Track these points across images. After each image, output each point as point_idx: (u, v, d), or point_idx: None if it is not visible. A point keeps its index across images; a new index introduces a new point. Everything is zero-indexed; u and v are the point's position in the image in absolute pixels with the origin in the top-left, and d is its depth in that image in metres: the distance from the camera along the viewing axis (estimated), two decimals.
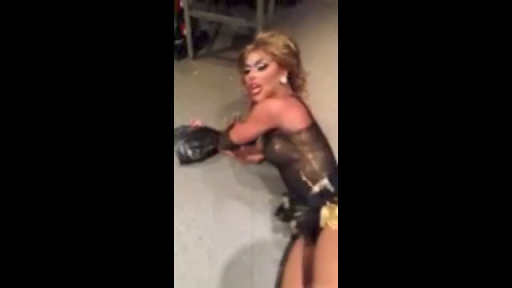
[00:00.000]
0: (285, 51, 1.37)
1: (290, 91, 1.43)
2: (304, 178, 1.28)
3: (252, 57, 1.39)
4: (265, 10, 2.28)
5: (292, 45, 1.39)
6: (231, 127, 1.57)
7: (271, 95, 1.38)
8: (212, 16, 2.29)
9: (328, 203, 1.22)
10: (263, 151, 1.46)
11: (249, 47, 1.42)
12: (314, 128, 1.33)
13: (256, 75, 1.37)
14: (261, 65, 1.36)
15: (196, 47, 2.43)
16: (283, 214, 1.41)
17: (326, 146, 1.33)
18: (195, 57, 2.41)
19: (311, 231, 1.26)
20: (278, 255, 1.40)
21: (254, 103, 1.44)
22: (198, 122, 1.84)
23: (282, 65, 1.38)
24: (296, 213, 1.33)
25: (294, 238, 1.39)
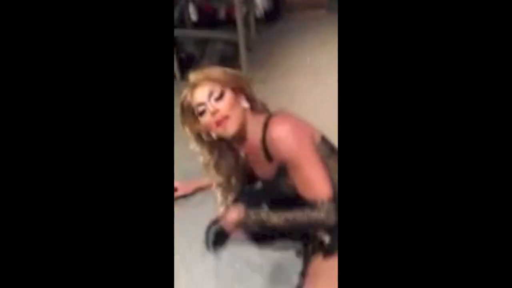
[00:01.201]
0: (226, 74, 1.17)
1: (265, 113, 1.20)
2: None
3: (201, 93, 1.13)
4: (246, 24, 2.32)
5: (229, 70, 1.20)
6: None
7: (242, 127, 1.15)
8: (193, 32, 2.31)
9: None
10: (276, 188, 1.20)
11: (186, 89, 1.17)
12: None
13: (218, 107, 1.11)
14: (216, 95, 1.12)
15: (183, 68, 2.45)
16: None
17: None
18: (183, 78, 2.42)
19: None
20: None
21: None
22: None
23: (235, 88, 1.16)
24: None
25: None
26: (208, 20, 2.93)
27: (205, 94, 1.13)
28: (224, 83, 1.14)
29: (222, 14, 2.97)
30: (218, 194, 1.32)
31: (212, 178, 1.31)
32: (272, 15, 3.07)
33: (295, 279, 1.30)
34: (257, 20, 2.90)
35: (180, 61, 2.40)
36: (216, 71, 1.16)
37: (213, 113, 1.11)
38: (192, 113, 1.16)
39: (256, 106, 1.23)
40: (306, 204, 1.07)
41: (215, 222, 1.38)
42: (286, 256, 1.39)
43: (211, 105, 1.11)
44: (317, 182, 1.07)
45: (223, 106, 1.12)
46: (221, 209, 1.27)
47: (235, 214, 1.16)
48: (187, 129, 1.20)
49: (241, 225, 1.17)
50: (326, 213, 1.04)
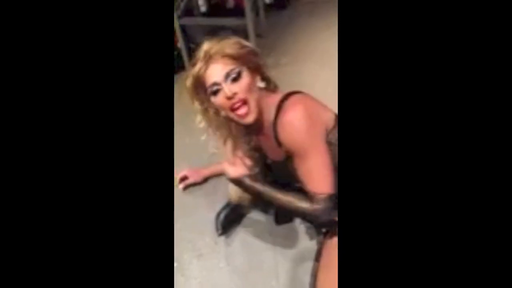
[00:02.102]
0: (242, 50, 1.06)
1: (280, 93, 1.12)
2: None
3: (217, 71, 1.02)
4: (254, 10, 2.28)
5: (244, 42, 1.09)
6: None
7: (260, 114, 1.07)
8: (202, 20, 2.29)
9: None
10: (284, 169, 1.15)
11: (201, 61, 1.04)
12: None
13: (235, 89, 1.02)
14: (234, 75, 1.02)
15: (192, 59, 2.42)
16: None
17: None
18: None
19: None
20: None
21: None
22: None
23: (251, 68, 1.07)
24: None
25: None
26: (217, 10, 2.90)
27: (221, 74, 1.02)
28: (241, 62, 1.05)
29: (230, 3, 2.94)
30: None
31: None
32: (281, 1, 3.02)
33: (310, 264, 1.28)
34: (266, 7, 2.86)
35: (189, 51, 2.37)
36: (232, 46, 1.05)
37: (230, 98, 1.02)
38: (204, 89, 1.06)
39: (270, 86, 1.15)
40: (307, 195, 1.04)
41: (225, 206, 1.36)
42: (301, 241, 1.37)
43: (228, 89, 1.01)
44: (320, 176, 1.04)
45: (241, 88, 1.02)
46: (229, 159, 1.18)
47: (237, 171, 1.13)
48: (196, 103, 1.11)
49: (237, 183, 1.15)
50: (322, 209, 1.02)
